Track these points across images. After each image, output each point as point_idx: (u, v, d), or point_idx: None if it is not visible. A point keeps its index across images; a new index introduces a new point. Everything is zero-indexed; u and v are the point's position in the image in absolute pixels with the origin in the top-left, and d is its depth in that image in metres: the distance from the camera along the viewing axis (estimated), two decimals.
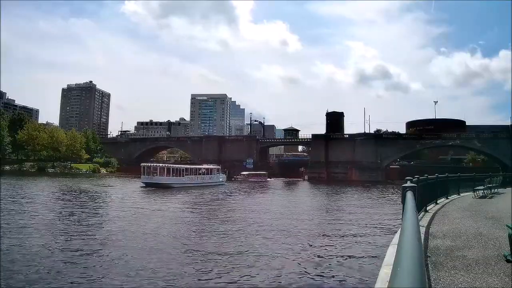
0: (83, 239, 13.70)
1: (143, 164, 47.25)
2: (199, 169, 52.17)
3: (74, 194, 31.66)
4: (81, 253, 11.58)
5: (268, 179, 67.64)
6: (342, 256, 11.97)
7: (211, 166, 55.29)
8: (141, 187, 41.35)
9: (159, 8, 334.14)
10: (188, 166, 52.35)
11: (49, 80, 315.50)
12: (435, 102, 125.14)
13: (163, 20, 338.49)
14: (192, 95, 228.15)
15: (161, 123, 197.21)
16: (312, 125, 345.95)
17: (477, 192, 15.80)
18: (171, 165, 51.09)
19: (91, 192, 34.44)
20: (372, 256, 11.62)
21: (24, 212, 19.61)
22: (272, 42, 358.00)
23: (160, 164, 50.49)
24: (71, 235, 14.24)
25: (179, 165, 52.55)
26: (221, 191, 40.96)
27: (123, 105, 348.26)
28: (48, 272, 9.48)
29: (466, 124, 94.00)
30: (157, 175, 43.89)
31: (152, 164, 50.72)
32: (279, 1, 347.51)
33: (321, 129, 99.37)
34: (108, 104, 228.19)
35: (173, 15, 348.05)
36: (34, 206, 22.37)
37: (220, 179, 53.87)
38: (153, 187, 40.14)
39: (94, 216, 20.00)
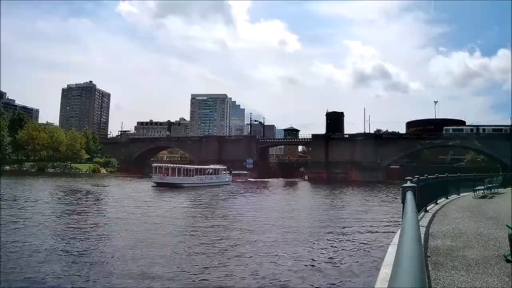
0: (90, 239, 13.69)
1: (155, 164, 50.13)
2: (207, 169, 53.52)
3: (86, 195, 31.65)
4: (84, 252, 11.58)
5: (250, 179, 67.12)
6: (342, 256, 11.97)
7: (217, 167, 56.89)
8: (153, 186, 42.54)
9: (156, 8, 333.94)
10: (197, 166, 53.57)
11: (49, 80, 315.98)
12: (435, 102, 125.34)
13: (161, 20, 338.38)
14: (192, 95, 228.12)
15: (161, 123, 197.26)
16: (312, 125, 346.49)
17: (477, 192, 15.80)
18: (181, 165, 52.37)
19: (106, 193, 34.95)
20: (372, 256, 11.62)
21: (27, 213, 19.58)
22: (270, 42, 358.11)
23: (171, 165, 51.70)
24: (77, 235, 14.24)
25: (189, 166, 53.76)
26: (228, 190, 42.50)
27: (123, 105, 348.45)
28: (49, 272, 9.47)
29: (466, 124, 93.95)
30: (168, 175, 44.98)
31: (163, 164, 53.32)
32: (277, 0, 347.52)
33: (321, 129, 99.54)
34: (108, 104, 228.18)
35: (170, 15, 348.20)
36: (39, 207, 22.28)
37: (226, 179, 55.97)
38: (164, 187, 41.32)
39: (115, 215, 19.98)
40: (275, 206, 27.30)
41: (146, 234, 14.79)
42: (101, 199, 29.35)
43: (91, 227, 16.13)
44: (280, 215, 22.25)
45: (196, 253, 12.08)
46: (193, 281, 9.33)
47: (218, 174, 54.67)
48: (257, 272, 10.05)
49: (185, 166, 52.32)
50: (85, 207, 23.54)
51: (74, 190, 35.27)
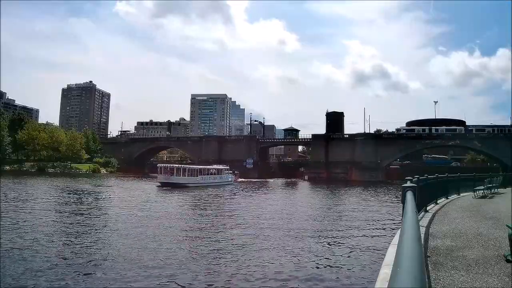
0: (99, 238, 13.73)
1: (160, 165, 51.33)
2: (210, 169, 54.24)
3: (92, 196, 31.64)
4: (86, 252, 11.59)
5: (240, 179, 64.77)
6: (342, 256, 11.98)
7: (220, 167, 57.66)
8: (158, 186, 42.90)
9: (154, 8, 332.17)
10: (201, 166, 54.06)
11: (49, 80, 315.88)
12: (435, 102, 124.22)
13: (160, 20, 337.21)
14: (192, 95, 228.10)
15: (161, 123, 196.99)
16: (312, 125, 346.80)
17: (477, 192, 15.79)
18: (186, 165, 52.99)
19: (112, 194, 34.82)
20: (372, 256, 11.63)
21: (27, 213, 19.56)
22: (269, 42, 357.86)
23: (176, 165, 52.17)
24: (85, 235, 14.25)
25: (193, 166, 54.21)
26: (230, 190, 43.09)
27: (123, 105, 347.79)
28: (50, 272, 9.47)
29: (466, 124, 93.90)
30: (173, 175, 45.50)
31: (168, 165, 54.51)
32: (275, 0, 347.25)
33: (321, 129, 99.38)
34: (108, 104, 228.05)
35: (169, 14, 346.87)
36: (44, 207, 22.26)
37: (229, 179, 56.57)
38: (169, 187, 41.78)
39: (127, 216, 20.12)
40: (276, 206, 27.32)
41: (156, 233, 14.90)
42: (109, 200, 29.44)
43: (102, 228, 16.26)
44: (281, 215, 22.26)
45: (198, 253, 12.10)
46: (194, 280, 9.35)
47: (221, 174, 55.44)
48: (258, 272, 10.05)
49: (190, 166, 52.92)
50: (94, 208, 23.63)
51: (79, 191, 35.18)
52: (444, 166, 64.30)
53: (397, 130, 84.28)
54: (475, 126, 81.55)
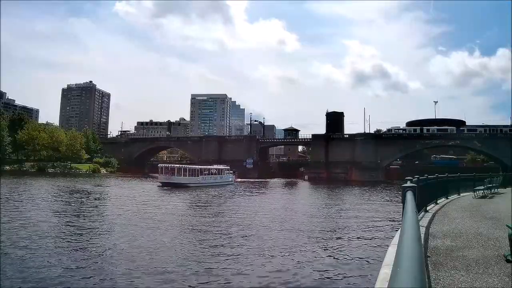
0: (95, 237, 13.72)
1: (161, 165, 51.51)
2: (211, 169, 54.36)
3: (95, 196, 31.62)
4: (86, 252, 11.59)
5: (238, 179, 62.93)
6: (342, 256, 11.98)
7: (221, 167, 57.80)
8: (159, 186, 42.95)
9: (154, 8, 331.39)
10: (201, 166, 54.07)
11: (49, 80, 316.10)
12: (435, 102, 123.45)
13: (159, 20, 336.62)
14: (192, 95, 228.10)
15: (161, 123, 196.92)
16: (312, 125, 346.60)
17: (477, 192, 15.80)
18: (187, 165, 53.10)
19: (115, 194, 34.82)
20: (372, 256, 11.62)
21: (27, 213, 19.57)
22: (269, 42, 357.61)
23: (177, 165, 52.19)
24: (80, 234, 14.25)
25: (194, 166, 54.18)
26: (231, 190, 43.11)
27: (123, 105, 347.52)
28: (50, 272, 9.47)
29: (466, 124, 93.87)
30: (174, 175, 45.52)
31: (169, 164, 54.65)
32: (274, 0, 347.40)
33: (321, 129, 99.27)
34: (108, 104, 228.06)
35: (169, 14, 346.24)
36: (44, 207, 22.29)
37: (230, 179, 56.56)
38: (170, 187, 41.78)
39: (132, 215, 20.21)
40: (276, 206, 27.33)
41: (157, 233, 14.95)
42: (110, 200, 29.43)
43: (102, 228, 16.27)
44: (281, 215, 22.28)
45: (199, 252, 12.11)
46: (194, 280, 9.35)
47: (221, 174, 55.55)
48: (258, 272, 10.06)
49: (191, 166, 52.91)
50: (94, 208, 23.63)
51: (79, 191, 35.22)
52: (452, 167, 59.92)
53: (388, 130, 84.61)
54: (468, 126, 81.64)
